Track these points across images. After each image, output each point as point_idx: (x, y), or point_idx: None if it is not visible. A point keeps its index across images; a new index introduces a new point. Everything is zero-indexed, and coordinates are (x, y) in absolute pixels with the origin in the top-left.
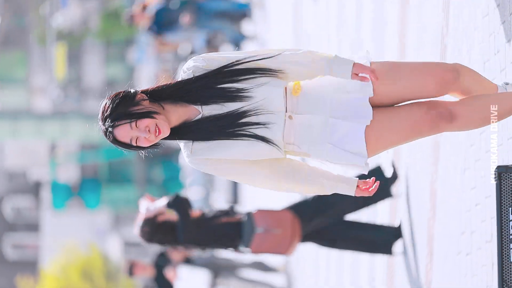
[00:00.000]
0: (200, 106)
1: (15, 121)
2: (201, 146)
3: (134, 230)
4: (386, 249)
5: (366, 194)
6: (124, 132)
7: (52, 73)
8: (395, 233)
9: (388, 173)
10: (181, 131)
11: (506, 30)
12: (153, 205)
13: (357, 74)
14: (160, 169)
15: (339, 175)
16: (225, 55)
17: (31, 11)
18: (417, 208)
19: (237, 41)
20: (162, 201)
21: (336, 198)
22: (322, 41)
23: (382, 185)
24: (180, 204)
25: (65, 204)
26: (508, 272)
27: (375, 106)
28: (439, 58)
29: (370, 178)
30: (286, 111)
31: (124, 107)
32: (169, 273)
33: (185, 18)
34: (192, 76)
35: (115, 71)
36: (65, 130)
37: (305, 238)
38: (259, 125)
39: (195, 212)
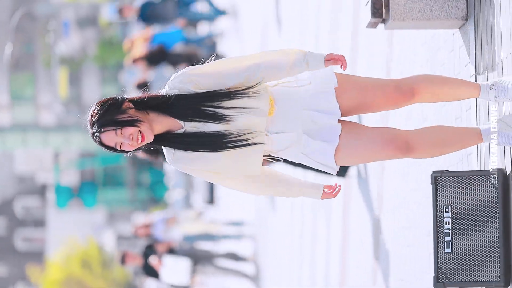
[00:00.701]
0: (183, 122)
1: (24, 132)
2: (182, 154)
3: None
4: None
5: (330, 197)
6: (110, 137)
7: (56, 92)
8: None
9: None
10: (164, 139)
11: (441, 55)
12: None
13: (329, 60)
14: (147, 174)
15: (307, 181)
16: (209, 70)
17: (38, 40)
18: (367, 207)
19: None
20: None
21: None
22: None
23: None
24: None
25: (67, 203)
26: (443, 261)
27: (342, 114)
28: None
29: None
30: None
31: (110, 115)
32: (153, 262)
33: (180, 22)
34: (177, 93)
35: (110, 90)
36: (67, 141)
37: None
38: (240, 142)
39: None
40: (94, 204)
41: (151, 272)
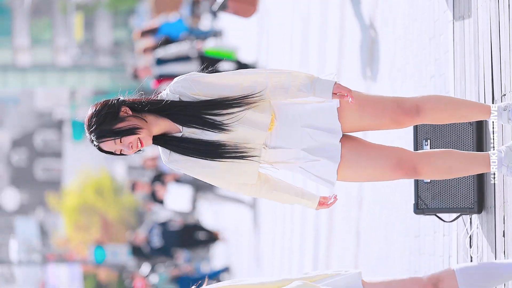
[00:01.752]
0: (181, 126)
1: (43, 72)
2: (178, 157)
3: None
4: None
5: (325, 208)
6: (109, 146)
7: (72, 35)
8: None
9: None
10: (160, 141)
11: (422, 2)
12: None
13: (336, 94)
14: None
15: (303, 190)
16: (212, 81)
17: None
18: None
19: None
20: None
21: None
22: (282, 39)
23: None
24: None
25: (82, 136)
26: (422, 190)
27: (344, 132)
28: (369, 66)
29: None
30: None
31: (108, 124)
32: (158, 189)
33: None
34: (178, 99)
35: (121, 34)
36: (82, 80)
37: None
38: (237, 154)
39: None
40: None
41: (157, 199)
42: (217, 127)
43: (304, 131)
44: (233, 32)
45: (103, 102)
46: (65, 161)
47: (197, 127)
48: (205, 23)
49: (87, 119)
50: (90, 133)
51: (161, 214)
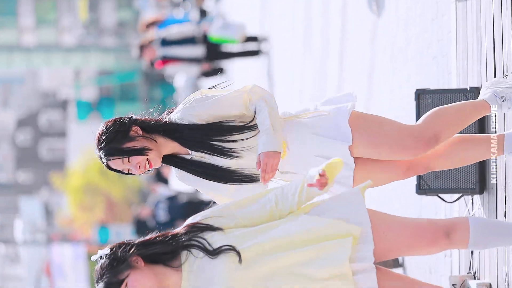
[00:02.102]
0: (190, 150)
1: (48, 52)
2: (188, 175)
3: None
4: None
5: None
6: (117, 164)
7: (77, 16)
8: None
9: None
10: (170, 160)
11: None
12: None
13: (259, 157)
14: (159, 89)
15: None
16: (219, 101)
17: None
18: None
19: None
20: None
21: None
22: (286, 24)
23: None
24: None
25: (86, 116)
26: None
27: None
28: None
29: None
30: None
31: (117, 143)
32: (163, 169)
33: None
34: (186, 123)
35: (125, 15)
36: (87, 60)
37: None
38: (246, 179)
39: None
40: (111, 117)
41: (162, 179)
42: (227, 154)
43: (316, 160)
44: (236, 12)
45: (114, 120)
46: (70, 141)
47: (206, 152)
48: (209, 3)
49: (98, 135)
50: (99, 150)
51: (165, 194)
